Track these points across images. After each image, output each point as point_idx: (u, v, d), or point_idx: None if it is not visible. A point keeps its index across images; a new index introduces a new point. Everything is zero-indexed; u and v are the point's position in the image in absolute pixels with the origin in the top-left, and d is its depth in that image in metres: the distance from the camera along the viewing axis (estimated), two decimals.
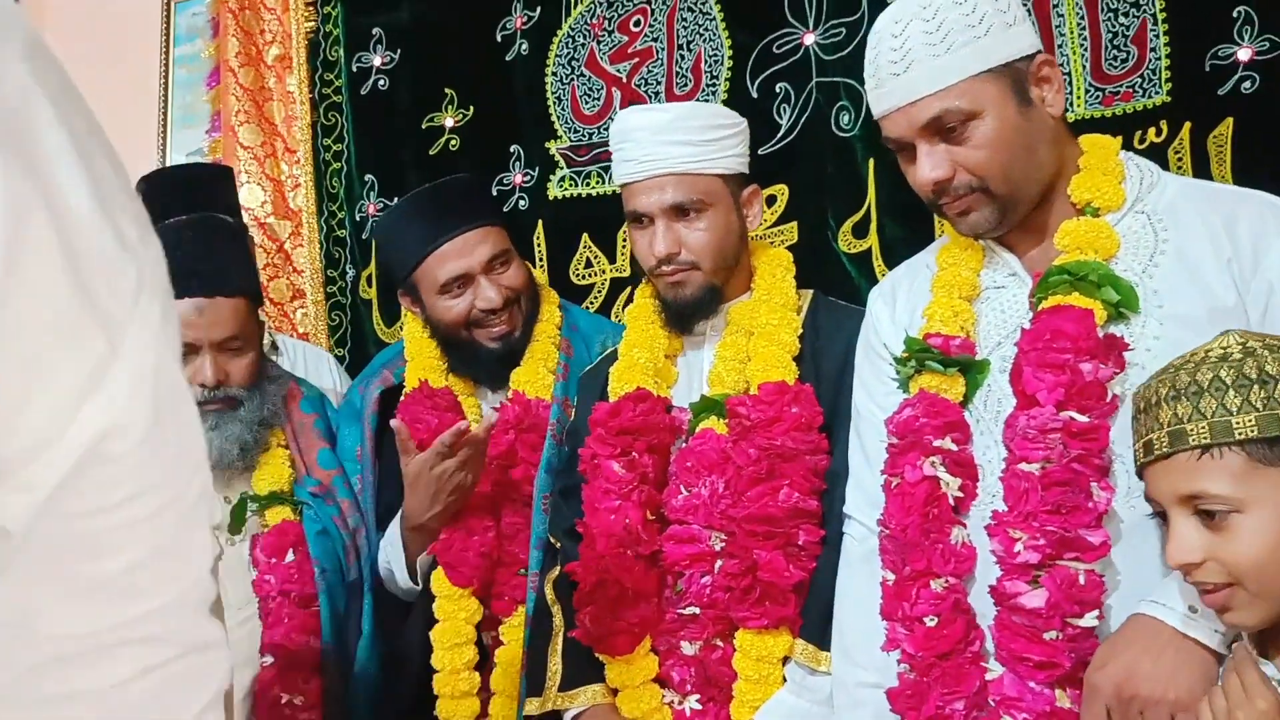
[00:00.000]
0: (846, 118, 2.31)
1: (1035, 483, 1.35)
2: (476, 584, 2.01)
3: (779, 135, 2.37)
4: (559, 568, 1.90)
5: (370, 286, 2.94)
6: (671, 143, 1.79)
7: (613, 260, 2.60)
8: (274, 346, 2.08)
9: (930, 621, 1.44)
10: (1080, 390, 1.34)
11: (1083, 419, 1.34)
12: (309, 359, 2.63)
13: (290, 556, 1.96)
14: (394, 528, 2.05)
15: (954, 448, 1.47)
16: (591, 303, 2.60)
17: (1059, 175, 1.50)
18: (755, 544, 1.68)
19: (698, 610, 1.72)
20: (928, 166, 1.46)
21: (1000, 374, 1.50)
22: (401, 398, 2.15)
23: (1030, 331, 1.42)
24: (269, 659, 1.92)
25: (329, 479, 2.11)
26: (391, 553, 2.06)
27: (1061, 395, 1.35)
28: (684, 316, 1.88)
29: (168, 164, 3.33)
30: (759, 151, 2.18)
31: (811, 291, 1.93)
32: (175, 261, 1.64)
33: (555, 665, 1.83)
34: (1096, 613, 1.33)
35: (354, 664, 2.05)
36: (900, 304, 1.65)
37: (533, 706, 1.84)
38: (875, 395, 1.64)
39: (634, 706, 1.74)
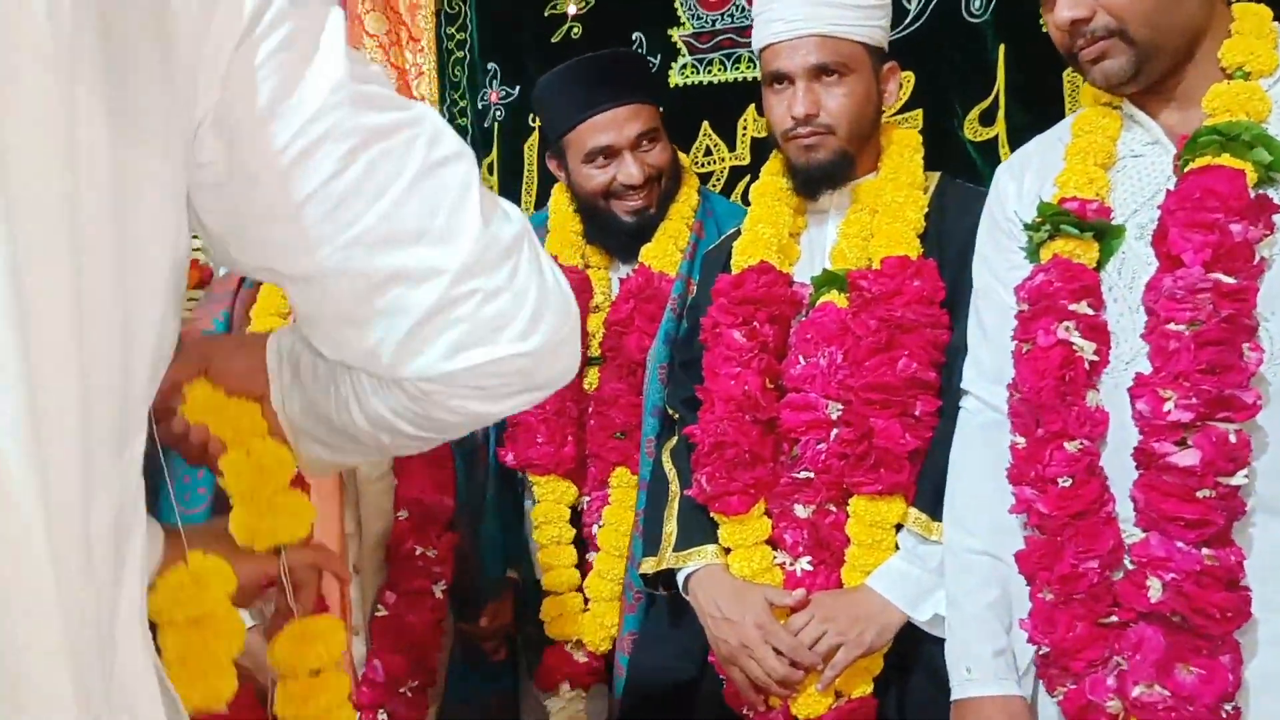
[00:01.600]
0: (978, 2, 2.23)
1: (1187, 342, 1.30)
2: (561, 470, 2.11)
3: (907, 20, 2.30)
4: (676, 437, 1.92)
5: (491, 175, 2.95)
6: (820, 3, 1.76)
7: (732, 149, 2.56)
8: None
9: (1065, 482, 1.40)
10: (1229, 251, 1.29)
11: (1230, 280, 1.29)
12: None
13: None
14: None
15: (1089, 312, 1.43)
16: (711, 190, 2.60)
17: (1205, 36, 1.43)
18: (872, 412, 1.66)
19: (812, 475, 1.72)
20: (1066, 4, 1.41)
21: (1136, 240, 1.44)
22: None
23: (1177, 191, 1.36)
24: (404, 513, 1.97)
25: None
26: None
27: (1209, 255, 1.29)
28: (813, 182, 1.84)
29: None
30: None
31: (939, 174, 1.88)
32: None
33: (670, 528, 1.84)
34: (1245, 471, 1.29)
35: (480, 529, 2.12)
36: (1029, 178, 1.60)
37: (648, 565, 1.86)
38: (997, 270, 1.59)
39: (745, 565, 1.75)
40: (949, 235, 1.77)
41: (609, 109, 2.08)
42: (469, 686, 2.15)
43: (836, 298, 1.77)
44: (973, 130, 2.25)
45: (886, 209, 1.78)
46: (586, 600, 2.10)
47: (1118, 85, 1.46)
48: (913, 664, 1.69)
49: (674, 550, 1.83)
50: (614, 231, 2.16)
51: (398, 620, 1.95)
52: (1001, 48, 2.21)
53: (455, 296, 0.77)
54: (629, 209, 2.12)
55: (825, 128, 1.80)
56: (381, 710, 1.94)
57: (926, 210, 1.79)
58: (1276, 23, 1.46)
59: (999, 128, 2.24)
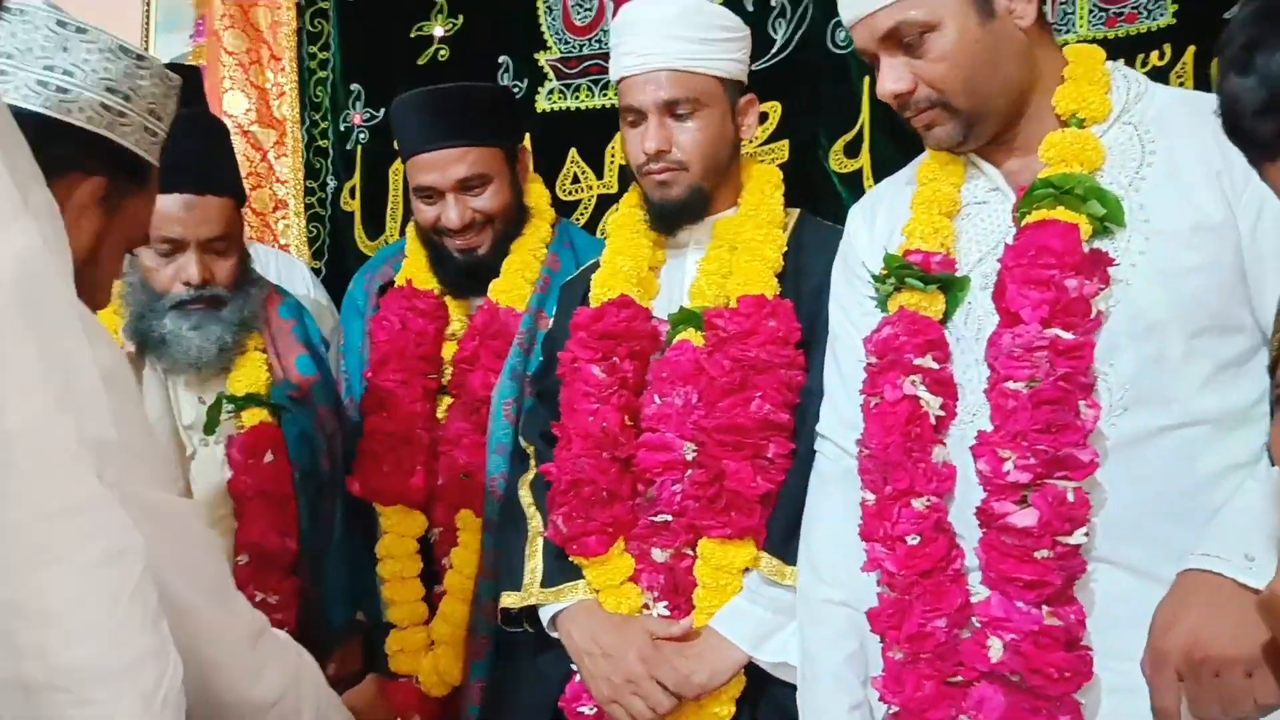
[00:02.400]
0: (842, 34, 2.21)
1: (1024, 401, 1.29)
2: (409, 500, 2.06)
3: (773, 51, 2.29)
4: (533, 470, 1.86)
5: (353, 199, 2.85)
6: (672, 37, 1.72)
7: (600, 176, 2.52)
8: (246, 257, 2.08)
9: (912, 540, 1.39)
10: (1065, 307, 1.28)
11: (1068, 336, 1.28)
12: (281, 266, 2.56)
13: (269, 457, 1.94)
14: None
15: (935, 366, 1.41)
16: (578, 219, 2.51)
17: (1036, 87, 1.43)
18: (724, 454, 1.64)
19: (669, 517, 1.69)
20: (890, 79, 1.41)
21: (981, 291, 1.43)
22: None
23: (1014, 247, 1.36)
24: (244, 558, 1.89)
25: (307, 384, 2.08)
26: None
27: (1046, 312, 1.29)
28: (669, 217, 1.82)
29: None
30: (753, 67, 2.13)
31: (798, 211, 1.86)
32: (166, 155, 1.63)
33: (535, 564, 1.79)
34: (1085, 529, 1.28)
35: (324, 569, 2.06)
36: (880, 221, 1.58)
37: (511, 600, 1.79)
38: (851, 315, 1.58)
39: (618, 605, 1.71)
40: (806, 274, 1.75)
41: (436, 149, 2.02)
42: None
43: (693, 335, 1.74)
44: (838, 161, 2.24)
45: (745, 246, 1.76)
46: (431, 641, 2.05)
47: (954, 149, 1.46)
48: (762, 702, 1.66)
49: (542, 586, 1.77)
50: (445, 266, 2.10)
51: None
52: (866, 79, 2.20)
53: None
54: (456, 247, 2.07)
55: (678, 164, 1.76)
56: None
57: (785, 249, 1.77)
58: (1110, 63, 1.46)
59: (864, 159, 2.24)
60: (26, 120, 1.09)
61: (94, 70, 1.21)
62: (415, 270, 2.14)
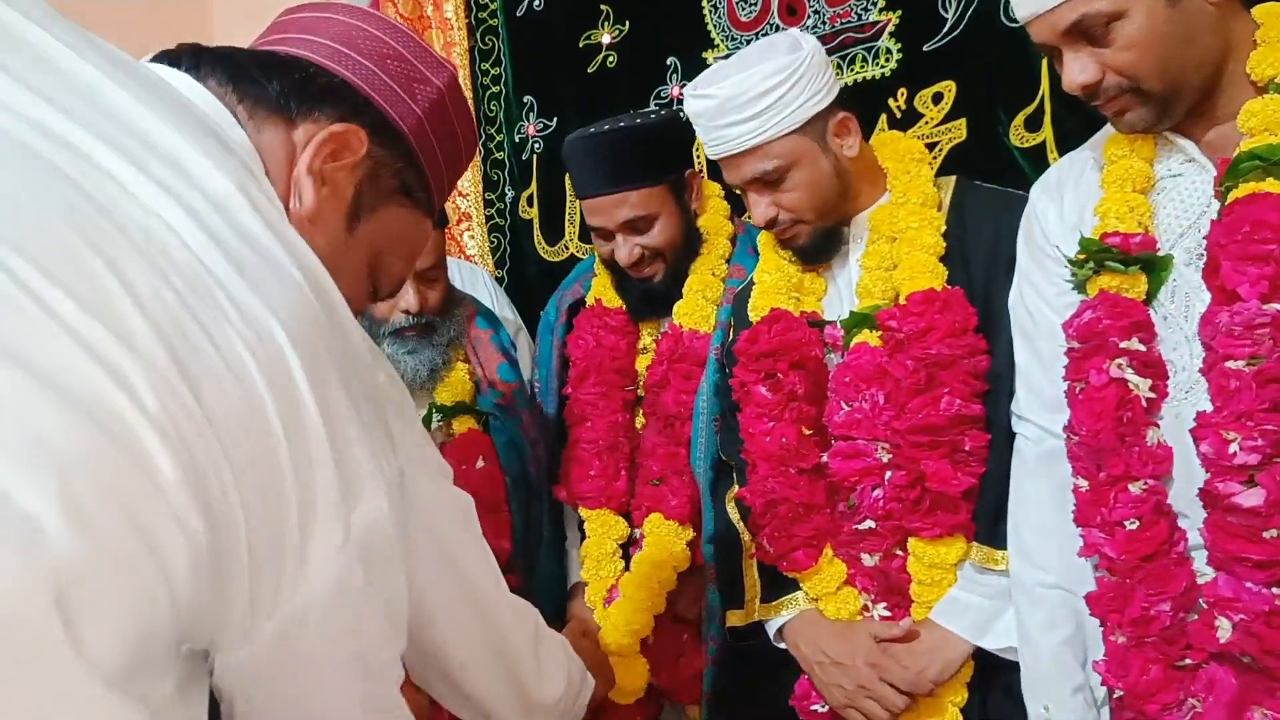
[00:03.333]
0: None
1: (1247, 381, 1.26)
2: (613, 505, 2.11)
3: (945, 29, 2.26)
4: (736, 484, 1.89)
5: (531, 206, 2.94)
6: (727, 125, 1.73)
7: None
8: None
9: (1131, 525, 1.37)
10: None
11: None
12: (465, 275, 2.66)
13: (480, 463, 2.03)
14: None
15: (1142, 348, 1.39)
16: None
17: (1229, 56, 1.38)
18: (921, 454, 1.64)
19: (873, 524, 1.70)
20: (1076, 70, 1.38)
21: (1185, 267, 1.40)
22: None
23: (1224, 223, 1.31)
24: None
25: (510, 391, 2.16)
26: None
27: (1266, 288, 1.25)
28: (808, 257, 1.85)
29: None
30: (925, 47, 2.13)
31: (953, 179, 1.84)
32: None
33: (753, 578, 1.83)
34: None
35: (537, 567, 2.14)
36: (1068, 201, 1.55)
37: (736, 619, 1.85)
38: (1046, 296, 1.56)
39: (838, 610, 1.73)
40: (973, 248, 1.74)
41: (598, 195, 2.05)
42: None
43: (870, 337, 1.74)
44: (1019, 137, 2.20)
45: (904, 236, 1.75)
46: None
47: (1146, 131, 1.43)
48: (991, 689, 1.67)
49: (762, 601, 1.81)
50: (630, 294, 2.15)
51: None
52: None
53: None
54: (637, 278, 2.11)
55: (791, 221, 1.80)
56: None
57: (945, 227, 1.75)
58: None
59: (1046, 133, 2.19)
60: None
61: None
62: (603, 290, 2.20)
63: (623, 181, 2.04)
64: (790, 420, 1.77)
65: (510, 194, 3.01)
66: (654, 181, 2.05)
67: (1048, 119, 2.19)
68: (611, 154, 2.06)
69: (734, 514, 1.90)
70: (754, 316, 1.85)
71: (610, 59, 2.78)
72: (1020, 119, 2.22)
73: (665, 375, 2.08)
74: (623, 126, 2.07)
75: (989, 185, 1.85)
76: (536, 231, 2.95)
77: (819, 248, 1.83)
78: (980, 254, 1.72)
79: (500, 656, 1.18)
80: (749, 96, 1.70)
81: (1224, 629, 1.31)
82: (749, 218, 1.89)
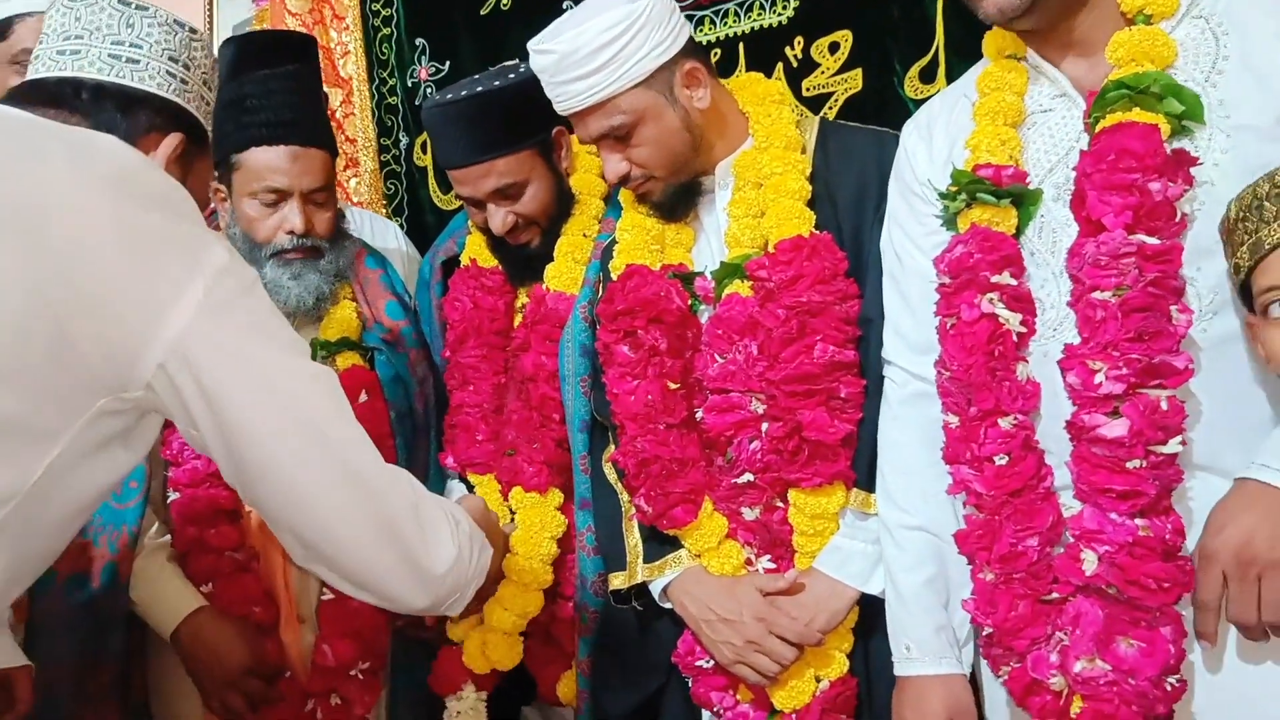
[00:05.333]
0: None
1: (1113, 311, 1.27)
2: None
3: None
4: (613, 445, 1.87)
5: (425, 153, 2.87)
6: (569, 81, 1.72)
7: None
8: (340, 214, 2.17)
9: (1001, 460, 1.38)
10: (1150, 211, 1.25)
11: (1154, 241, 1.25)
12: (375, 226, 2.60)
13: (363, 398, 2.00)
14: None
15: (1012, 282, 1.39)
16: None
17: None
18: (797, 404, 1.63)
19: (752, 476, 1.69)
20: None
21: (1054, 202, 1.40)
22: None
23: (1091, 153, 1.32)
24: None
25: (398, 329, 2.13)
26: None
27: (1130, 218, 1.26)
28: (665, 212, 1.83)
29: (214, 33, 3.39)
30: None
31: (817, 119, 1.83)
32: (273, 109, 1.76)
33: (634, 540, 1.80)
34: (1180, 438, 1.26)
35: None
36: (938, 138, 1.55)
37: (619, 580, 1.82)
38: (914, 236, 1.56)
39: (721, 565, 1.72)
40: (840, 189, 1.74)
41: (464, 166, 2.00)
42: (415, 680, 2.12)
43: (741, 287, 1.72)
44: (914, 88, 2.22)
45: (769, 182, 1.73)
46: None
47: (1011, 19, 1.39)
48: (874, 631, 1.68)
49: (645, 562, 1.79)
50: (506, 258, 2.11)
51: (343, 604, 1.95)
52: (940, 2, 2.18)
53: None
54: (513, 244, 2.07)
55: (643, 178, 1.79)
56: (333, 694, 1.94)
57: (810, 169, 1.75)
58: None
59: (940, 84, 2.20)
60: (110, 91, 1.24)
61: (157, 43, 1.32)
62: (478, 250, 2.15)
63: (487, 150, 1.98)
64: (654, 376, 1.75)
65: (404, 140, 2.96)
66: (520, 146, 1.99)
67: (942, 71, 2.20)
68: (472, 122, 1.98)
69: (611, 475, 1.87)
70: (614, 275, 1.83)
71: (504, 1, 2.73)
72: (915, 70, 2.23)
73: (527, 338, 2.04)
74: (480, 92, 1.99)
75: (855, 125, 1.85)
76: (431, 179, 2.90)
77: (674, 203, 1.82)
78: (848, 195, 1.72)
79: (384, 531, 1.16)
80: (586, 51, 1.68)
81: (1089, 561, 1.32)
82: None
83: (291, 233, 1.96)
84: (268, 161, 1.95)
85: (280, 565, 1.93)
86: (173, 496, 1.92)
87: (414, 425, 2.13)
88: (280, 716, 1.91)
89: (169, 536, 1.94)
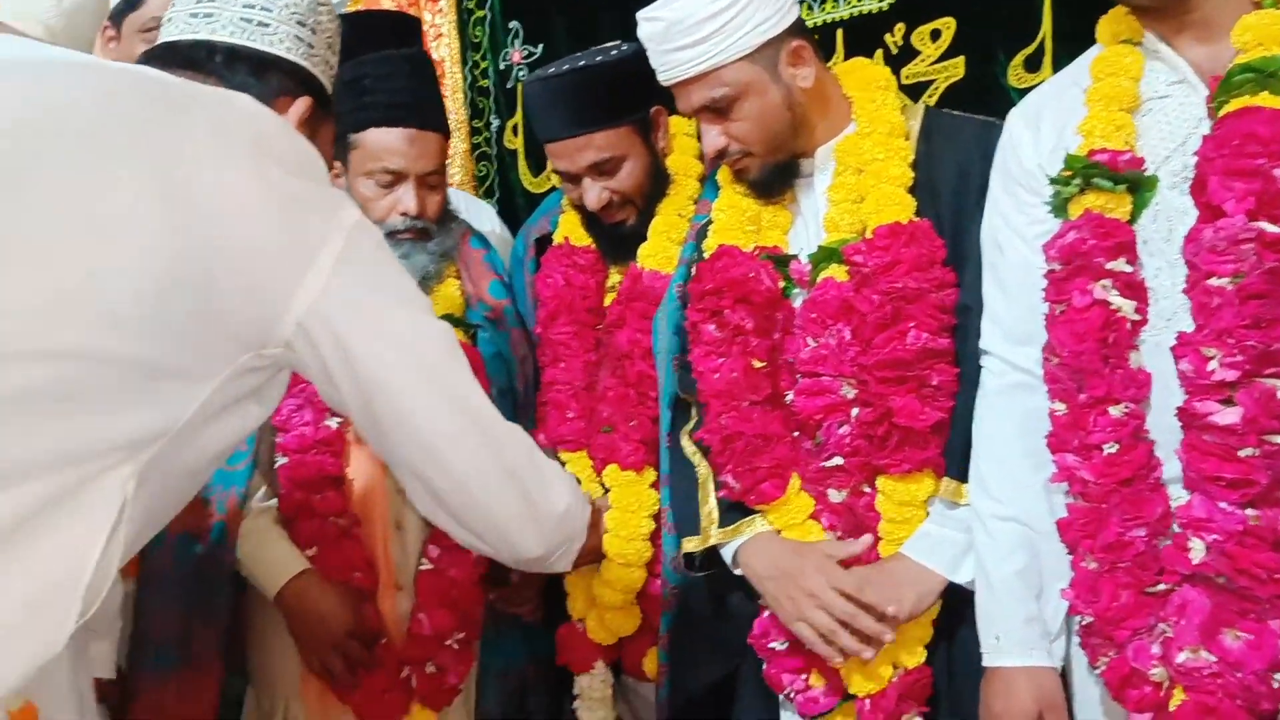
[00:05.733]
0: None
1: (1229, 297, 1.25)
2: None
3: None
4: (694, 419, 1.88)
5: (516, 136, 2.91)
6: (675, 49, 1.72)
7: None
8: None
9: (1110, 448, 1.37)
10: (1273, 198, 1.24)
11: (1275, 229, 1.24)
12: (471, 207, 2.64)
13: None
14: None
15: (1127, 269, 1.38)
16: None
17: None
18: (888, 390, 1.63)
19: (841, 460, 1.69)
20: None
21: (1170, 190, 1.39)
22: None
23: (1215, 137, 1.30)
24: None
25: (500, 308, 2.17)
26: None
27: (1252, 204, 1.24)
28: (760, 190, 1.83)
29: None
30: None
31: (923, 106, 1.83)
32: (393, 91, 1.78)
33: (709, 508, 1.81)
34: None
35: None
36: (1046, 126, 1.54)
37: (692, 544, 1.83)
38: (1016, 226, 1.55)
39: (802, 539, 1.72)
40: (943, 178, 1.73)
41: (562, 139, 2.02)
42: (505, 652, 2.17)
43: (837, 271, 1.72)
44: (1017, 77, 2.20)
45: (870, 168, 1.73)
46: None
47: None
48: (959, 623, 1.67)
49: (719, 527, 1.80)
50: (600, 236, 2.13)
51: (442, 575, 2.00)
52: None
53: None
54: (608, 222, 2.08)
55: (741, 153, 1.79)
56: (429, 663, 1.99)
57: (914, 157, 1.74)
58: None
59: (1046, 73, 2.19)
60: (242, 55, 1.26)
61: (286, 6, 1.34)
62: (571, 228, 2.18)
63: (585, 124, 2.00)
64: (738, 355, 1.76)
65: (495, 123, 3.00)
66: (618, 122, 2.02)
67: (1048, 59, 2.18)
68: (572, 95, 2.01)
69: (689, 448, 1.89)
70: (707, 254, 1.84)
71: None
72: (1019, 59, 2.21)
73: (622, 314, 2.07)
74: (582, 66, 2.02)
75: (960, 113, 1.83)
76: (521, 161, 2.94)
77: (769, 181, 1.82)
78: (950, 184, 1.71)
79: (507, 476, 1.20)
80: (694, 20, 1.69)
81: (1197, 550, 1.31)
82: None
83: (405, 214, 2.00)
84: (385, 143, 1.99)
85: (380, 533, 1.98)
86: (280, 461, 1.98)
87: (514, 403, 2.16)
88: (377, 681, 1.95)
89: (275, 501, 1.99)
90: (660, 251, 2.05)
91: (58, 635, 0.94)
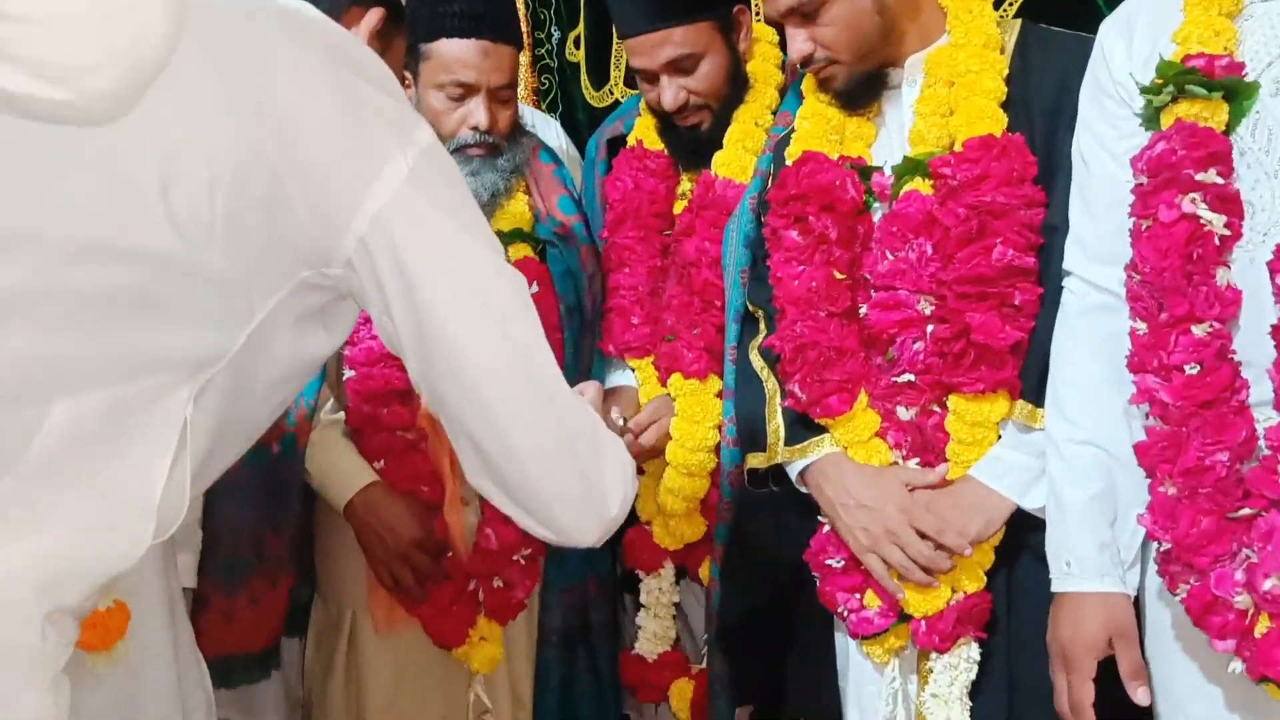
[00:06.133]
0: None
1: None
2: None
3: None
4: (763, 333, 1.86)
5: (578, 49, 2.90)
6: None
7: None
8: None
9: (1192, 369, 1.32)
10: None
11: None
12: (537, 121, 2.62)
13: (534, 288, 2.01)
14: None
15: (1219, 181, 1.32)
16: None
17: None
18: (967, 306, 1.59)
19: (913, 377, 1.66)
20: None
21: (1272, 98, 1.32)
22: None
23: None
24: None
25: (569, 223, 2.16)
26: None
27: None
28: (846, 100, 1.79)
29: None
30: None
31: (1018, 22, 1.76)
32: (467, 1, 1.68)
33: (776, 424, 1.80)
34: None
35: None
36: (1139, 34, 1.47)
37: (758, 460, 1.81)
38: (1105, 140, 1.49)
39: (868, 459, 1.70)
40: (1037, 95, 1.67)
41: (641, 33, 1.98)
42: (567, 568, 2.19)
43: (921, 185, 1.68)
44: None
45: (962, 80, 1.68)
46: None
47: None
48: (1020, 551, 1.66)
49: (786, 444, 1.78)
50: (674, 141, 2.11)
51: None
52: None
53: None
54: (683, 125, 2.06)
55: (827, 60, 1.74)
56: (496, 577, 2.02)
57: (1008, 72, 1.68)
58: None
59: None
60: None
61: None
62: (645, 131, 2.16)
63: (666, 17, 1.97)
64: (820, 263, 1.73)
65: (557, 34, 2.96)
66: (699, 17, 1.99)
67: None
68: None
69: (757, 363, 1.87)
70: (789, 162, 1.80)
71: None
72: None
73: (691, 223, 2.04)
74: None
75: (1060, 30, 1.76)
76: (583, 74, 2.91)
77: (856, 92, 1.77)
78: (1044, 102, 1.66)
79: (563, 445, 1.08)
80: None
81: None
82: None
83: (475, 128, 1.98)
84: (458, 54, 1.96)
85: (447, 447, 1.99)
86: (348, 374, 1.99)
87: (582, 320, 2.16)
88: (445, 593, 1.99)
89: (343, 413, 2.01)
90: (735, 160, 2.03)
91: (133, 550, 0.94)
